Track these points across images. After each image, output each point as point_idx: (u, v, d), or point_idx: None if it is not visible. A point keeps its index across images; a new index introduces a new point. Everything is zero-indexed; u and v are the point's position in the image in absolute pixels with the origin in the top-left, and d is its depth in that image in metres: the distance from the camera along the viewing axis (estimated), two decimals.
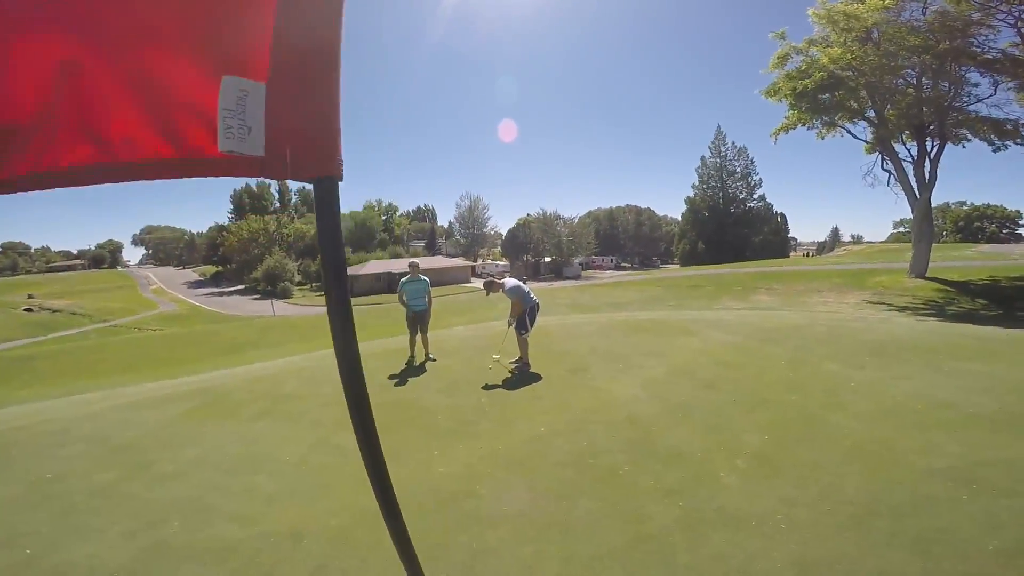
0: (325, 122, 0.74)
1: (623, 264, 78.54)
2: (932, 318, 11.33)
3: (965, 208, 67.45)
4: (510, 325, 6.32)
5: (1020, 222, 63.68)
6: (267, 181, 79.59)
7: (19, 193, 0.71)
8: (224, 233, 66.17)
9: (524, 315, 6.22)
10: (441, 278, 48.96)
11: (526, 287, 6.46)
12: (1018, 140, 15.94)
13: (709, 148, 62.94)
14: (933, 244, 18.76)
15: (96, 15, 0.61)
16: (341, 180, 0.79)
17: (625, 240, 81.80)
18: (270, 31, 0.68)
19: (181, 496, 3.38)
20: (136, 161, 0.69)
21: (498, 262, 69.23)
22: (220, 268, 70.62)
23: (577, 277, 56.18)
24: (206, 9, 0.64)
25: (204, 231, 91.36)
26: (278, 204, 79.99)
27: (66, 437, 4.49)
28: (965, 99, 16.14)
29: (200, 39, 0.65)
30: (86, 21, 0.61)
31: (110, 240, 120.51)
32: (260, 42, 0.68)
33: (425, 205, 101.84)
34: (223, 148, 0.64)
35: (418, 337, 7.14)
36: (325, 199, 0.78)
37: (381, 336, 10.40)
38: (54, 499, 3.35)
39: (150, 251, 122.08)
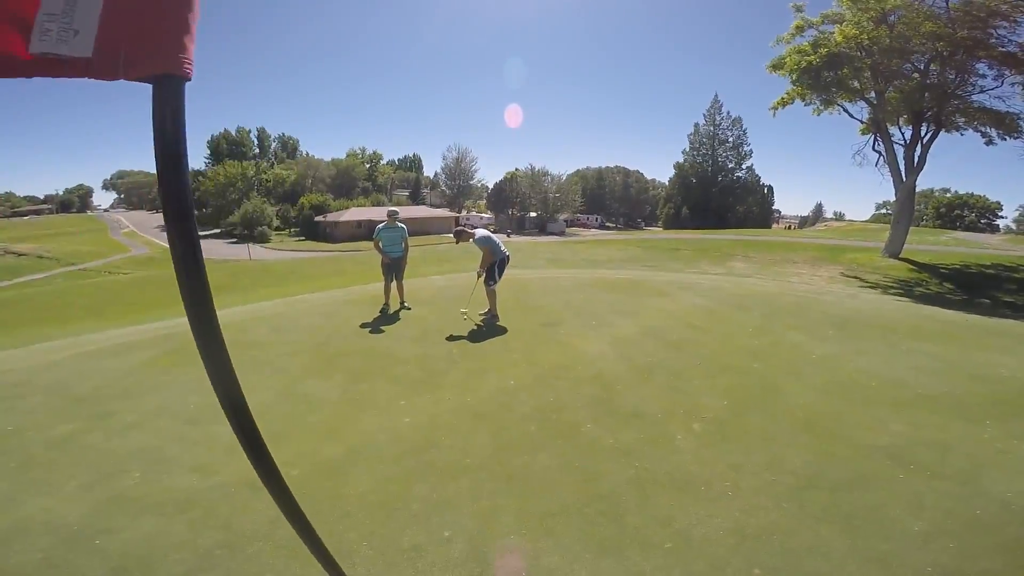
0: (172, 16, 0.65)
1: (608, 224, 78.37)
2: (899, 297, 11.64)
3: (948, 196, 68.06)
4: (480, 276, 6.37)
5: (999, 213, 64.82)
6: (247, 126, 76.22)
7: None
8: (200, 178, 63.60)
9: (493, 266, 6.26)
10: (424, 228, 48.47)
11: (496, 238, 6.46)
12: (1015, 134, 15.87)
13: (704, 116, 62.52)
14: (911, 228, 18.98)
15: None
16: (188, 80, 0.68)
17: (611, 200, 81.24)
18: None
19: (141, 447, 3.34)
20: None
21: (483, 214, 68.29)
22: (195, 212, 68.37)
23: (561, 234, 56.09)
24: None
25: None
26: (257, 150, 77.04)
27: (26, 388, 4.37)
28: (968, 89, 15.96)
29: None
30: None
31: (80, 185, 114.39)
32: None
33: (412, 154, 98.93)
34: (34, 51, 0.61)
35: (393, 285, 7.12)
36: (166, 101, 0.66)
37: (357, 283, 10.30)
38: (12, 453, 3.28)
39: (122, 195, 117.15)
